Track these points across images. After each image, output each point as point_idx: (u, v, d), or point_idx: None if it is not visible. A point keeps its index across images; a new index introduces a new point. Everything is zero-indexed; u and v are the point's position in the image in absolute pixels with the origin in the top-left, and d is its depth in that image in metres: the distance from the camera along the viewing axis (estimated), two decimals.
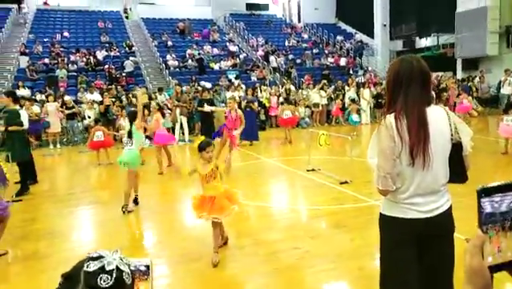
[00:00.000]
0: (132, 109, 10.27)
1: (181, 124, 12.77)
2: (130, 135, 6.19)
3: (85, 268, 0.98)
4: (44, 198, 7.07)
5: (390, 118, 2.10)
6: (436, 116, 2.13)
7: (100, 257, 0.99)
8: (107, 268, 0.97)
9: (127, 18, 27.41)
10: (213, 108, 10.02)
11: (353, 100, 14.01)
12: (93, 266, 0.98)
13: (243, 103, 11.84)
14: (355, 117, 13.30)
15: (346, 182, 6.96)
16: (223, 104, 14.72)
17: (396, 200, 2.16)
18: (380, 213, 2.27)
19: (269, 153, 11.05)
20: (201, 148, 4.11)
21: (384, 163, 2.07)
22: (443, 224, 2.16)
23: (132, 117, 6.28)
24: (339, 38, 26.28)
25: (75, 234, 5.34)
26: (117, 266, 0.98)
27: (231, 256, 4.36)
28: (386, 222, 2.22)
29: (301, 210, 6.08)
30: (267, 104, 15.82)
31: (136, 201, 6.34)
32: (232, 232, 4.97)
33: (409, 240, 2.14)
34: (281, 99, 15.03)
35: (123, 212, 5.95)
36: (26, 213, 6.18)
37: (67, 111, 13.25)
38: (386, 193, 2.14)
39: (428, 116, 2.09)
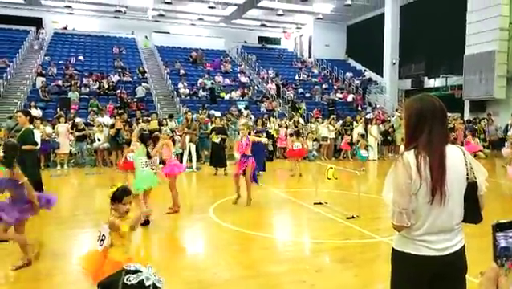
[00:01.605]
0: (145, 132, 10.43)
1: (189, 152, 12.85)
2: (149, 155, 6.44)
3: (124, 280, 0.98)
4: (49, 219, 7.07)
5: (408, 155, 2.12)
6: (454, 155, 2.16)
7: (138, 271, 1.00)
8: (146, 283, 0.98)
9: (145, 45, 28.19)
10: (226, 137, 10.11)
11: (362, 136, 14.08)
12: (133, 280, 0.99)
13: (252, 133, 11.93)
14: (363, 152, 13.34)
15: (353, 217, 6.90)
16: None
17: (409, 236, 2.17)
18: (393, 248, 2.26)
19: (275, 184, 11.02)
20: (116, 197, 3.18)
21: (400, 199, 2.09)
22: (456, 263, 2.16)
23: (147, 139, 6.51)
24: (349, 74, 26.72)
25: (77, 256, 5.30)
26: (154, 283, 1.00)
27: (234, 287, 4.30)
28: (398, 258, 2.21)
29: (306, 243, 6.01)
30: (276, 135, 15.93)
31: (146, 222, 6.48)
32: (235, 263, 4.92)
33: (421, 277, 2.13)
34: (289, 131, 15.14)
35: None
36: (30, 234, 6.17)
37: (77, 133, 13.43)
38: (400, 229, 2.15)
39: (446, 155, 2.13)
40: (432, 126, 2.13)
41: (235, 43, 30.67)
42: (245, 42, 31.51)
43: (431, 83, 23.27)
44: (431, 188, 2.07)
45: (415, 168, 2.08)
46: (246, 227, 6.45)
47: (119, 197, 3.18)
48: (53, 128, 13.30)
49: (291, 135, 13.41)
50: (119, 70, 22.25)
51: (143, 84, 20.28)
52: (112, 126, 13.80)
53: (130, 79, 21.49)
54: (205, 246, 5.77)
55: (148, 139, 6.60)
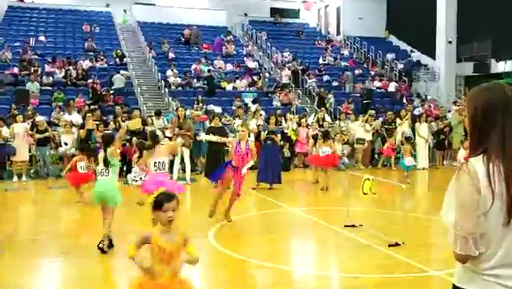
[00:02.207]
0: (108, 132, 10.65)
1: (182, 159, 12.94)
2: (106, 162, 6.66)
3: None
4: (2, 245, 7.19)
5: (476, 163, 2.12)
6: None
7: None
8: None
9: (124, 22, 28.43)
10: (225, 140, 10.16)
11: (407, 138, 14.03)
12: None
13: (263, 135, 12.00)
14: (407, 161, 13.22)
15: (396, 244, 6.89)
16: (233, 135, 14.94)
17: (476, 269, 2.16)
18: (454, 286, 2.25)
19: (294, 201, 11.03)
20: (159, 203, 3.44)
21: (465, 220, 2.09)
22: None
23: (108, 141, 6.75)
24: (390, 56, 26.67)
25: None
26: None
27: None
28: None
29: (335, 278, 6.03)
30: (293, 138, 15.95)
31: (111, 244, 6.66)
32: None
33: None
34: (312, 131, 15.16)
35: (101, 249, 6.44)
36: None
37: (37, 136, 13.60)
38: (465, 260, 2.14)
39: None
40: (506, 123, 2.13)
41: (240, 18, 30.77)
42: (253, 15, 31.67)
43: (500, 67, 23.10)
44: (507, 205, 2.07)
45: (485, 180, 2.07)
46: (257, 256, 6.49)
47: (159, 203, 3.43)
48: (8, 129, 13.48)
49: (314, 137, 13.42)
50: (91, 53, 22.50)
51: (121, 72, 20.45)
52: (83, 126, 13.95)
53: (105, 66, 21.71)
54: (201, 281, 5.82)
55: (111, 140, 6.81)
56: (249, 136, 8.64)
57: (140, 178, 9.62)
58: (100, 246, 6.53)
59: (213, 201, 8.36)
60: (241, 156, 8.22)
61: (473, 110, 2.23)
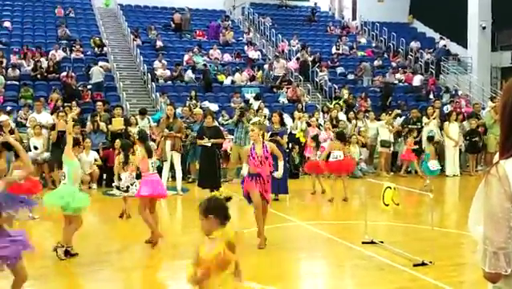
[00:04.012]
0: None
1: (172, 164, 12.94)
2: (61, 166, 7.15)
3: None
4: None
5: (507, 165, 2.14)
6: None
7: None
8: None
9: (106, 5, 28.44)
10: (221, 142, 10.16)
11: (430, 138, 14.00)
12: None
13: (266, 137, 11.97)
14: (432, 164, 13.17)
15: (423, 264, 6.88)
16: (231, 137, 14.93)
17: None
18: None
19: (304, 214, 11.02)
20: (209, 209, 3.82)
21: (495, 233, 2.10)
22: None
23: (62, 143, 7.07)
24: (414, 45, 26.72)
25: None
26: None
27: None
28: None
29: None
30: (302, 139, 15.93)
31: (67, 253, 7.06)
32: None
33: None
34: (323, 133, 15.14)
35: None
36: None
37: (1, 139, 13.56)
38: (496, 279, 2.16)
39: None
40: None
41: (240, 0, 30.82)
42: None
43: None
44: None
45: None
46: (261, 279, 6.46)
47: (214, 208, 3.83)
48: None
49: (315, 138, 13.33)
50: (65, 42, 22.54)
51: (100, 63, 20.47)
52: (53, 127, 13.94)
53: (81, 56, 21.73)
54: None
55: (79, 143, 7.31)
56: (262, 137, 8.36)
57: (129, 186, 9.63)
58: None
59: (258, 231, 7.97)
60: (259, 161, 7.88)
61: (503, 106, 2.26)
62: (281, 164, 8.27)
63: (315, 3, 31.91)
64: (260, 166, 7.85)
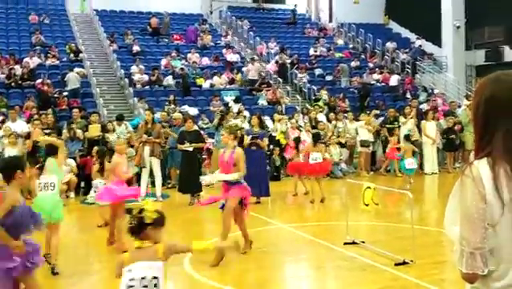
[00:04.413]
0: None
1: (151, 170, 12.83)
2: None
3: None
4: None
5: (479, 166, 2.13)
6: None
7: None
8: None
9: (81, 10, 28.18)
10: (202, 146, 10.07)
11: (406, 137, 14.14)
12: None
13: (246, 139, 11.95)
14: (408, 163, 13.33)
15: (404, 263, 6.92)
16: (212, 141, 14.87)
17: None
18: None
19: (285, 216, 11.06)
20: (163, 219, 3.84)
21: (471, 233, 2.10)
22: None
23: (53, 150, 6.95)
24: (390, 45, 26.93)
25: None
26: None
27: None
28: None
29: None
30: (283, 142, 15.95)
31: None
32: None
33: None
34: (303, 136, 15.16)
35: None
36: None
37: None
38: (473, 279, 2.15)
39: None
40: (511, 120, 2.15)
41: (217, 3, 30.78)
42: (233, 0, 31.72)
43: None
44: None
45: (491, 187, 2.08)
46: (242, 285, 6.43)
47: (163, 218, 3.81)
48: None
49: (297, 140, 13.34)
50: (40, 49, 22.28)
51: (76, 70, 20.27)
52: (28, 136, 13.75)
53: (57, 63, 21.49)
54: None
55: (51, 148, 7.01)
56: (240, 143, 8.07)
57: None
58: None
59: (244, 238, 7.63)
60: (226, 167, 7.41)
61: (475, 106, 2.26)
62: (232, 175, 7.40)
63: (295, 5, 31.92)
64: (227, 172, 7.38)
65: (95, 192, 9.76)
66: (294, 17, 30.72)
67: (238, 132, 8.07)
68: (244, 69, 22.86)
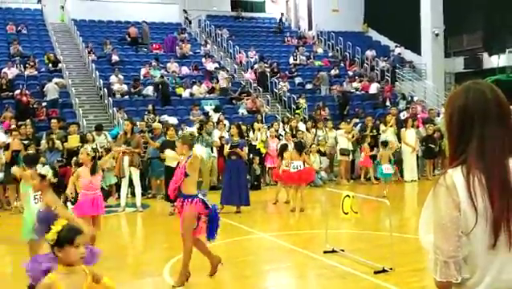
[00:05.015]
0: (30, 152, 10.69)
1: (131, 181, 12.80)
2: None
3: None
4: None
5: (454, 175, 2.15)
6: None
7: None
8: None
9: (61, 20, 28.05)
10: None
11: (383, 144, 14.27)
12: None
13: (226, 149, 11.99)
14: (385, 168, 13.46)
15: (384, 270, 6.96)
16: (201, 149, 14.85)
17: None
18: None
19: (266, 225, 11.06)
20: (66, 238, 3.39)
21: (444, 242, 2.12)
22: None
23: (32, 162, 6.77)
24: (370, 53, 27.15)
25: None
26: None
27: None
28: None
29: None
30: (263, 150, 16.00)
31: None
32: None
33: None
34: (282, 142, 15.24)
35: None
36: None
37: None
38: (447, 288, 2.17)
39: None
40: (484, 129, 2.16)
41: (196, 12, 30.82)
42: (212, 8, 31.78)
43: (493, 61, 23.73)
44: (492, 224, 2.08)
45: (465, 195, 2.10)
46: None
47: (69, 237, 3.36)
48: None
49: (282, 149, 13.38)
50: (18, 59, 22.13)
51: (55, 80, 20.17)
52: (7, 147, 13.64)
53: (35, 73, 21.36)
54: None
55: (36, 160, 6.87)
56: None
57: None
58: None
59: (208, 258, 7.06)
60: (176, 176, 6.87)
61: (448, 116, 2.28)
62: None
63: (282, 13, 32.06)
64: (176, 181, 6.84)
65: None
66: (280, 25, 30.89)
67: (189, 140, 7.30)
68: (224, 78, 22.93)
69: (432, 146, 16.60)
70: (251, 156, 15.15)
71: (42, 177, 5.17)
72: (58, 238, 3.38)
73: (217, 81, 22.49)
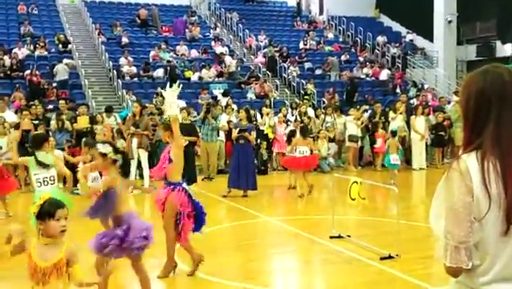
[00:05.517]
0: (39, 132, 10.78)
1: (139, 162, 12.87)
2: (45, 166, 6.93)
3: None
4: None
5: (468, 160, 2.14)
6: None
7: None
8: None
9: (71, 1, 28.01)
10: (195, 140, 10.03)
11: (393, 133, 14.21)
12: None
13: (234, 133, 12.02)
14: (393, 158, 13.40)
15: (390, 257, 6.99)
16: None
17: (472, 284, 2.19)
18: None
19: (272, 210, 11.12)
20: (46, 212, 3.48)
21: (456, 227, 2.10)
22: None
23: (38, 143, 7.04)
24: (381, 39, 26.97)
25: None
26: None
27: None
28: None
29: None
30: (271, 136, 16.03)
31: None
32: None
33: None
34: (291, 127, 15.26)
35: None
36: None
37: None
38: (457, 273, 2.16)
39: None
40: (501, 113, 2.15)
41: None
42: None
43: (506, 49, 23.55)
44: (506, 211, 2.07)
45: (479, 181, 2.09)
46: (229, 277, 6.50)
47: (50, 210, 3.47)
48: None
49: (291, 134, 13.42)
50: (29, 39, 22.18)
51: (65, 61, 20.24)
52: (17, 126, 13.73)
53: (45, 54, 21.44)
54: None
55: (43, 141, 7.08)
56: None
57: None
58: None
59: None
60: (160, 161, 6.60)
61: (464, 100, 2.26)
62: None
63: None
64: (160, 168, 6.53)
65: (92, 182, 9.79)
66: (299, 8, 30.71)
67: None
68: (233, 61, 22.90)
69: (442, 134, 16.53)
70: (259, 140, 15.17)
71: (104, 155, 5.24)
72: (39, 211, 3.48)
73: (225, 66, 22.47)
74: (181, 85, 7.25)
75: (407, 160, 16.08)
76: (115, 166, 5.25)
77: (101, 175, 8.67)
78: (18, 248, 3.54)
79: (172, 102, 6.43)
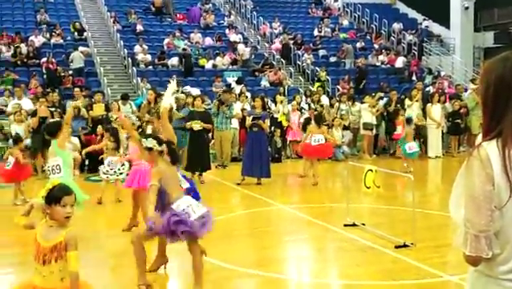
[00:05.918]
0: (54, 120, 10.86)
1: None
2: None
3: None
4: None
5: (489, 148, 2.13)
6: None
7: None
8: None
9: None
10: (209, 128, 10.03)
11: (408, 120, 14.10)
12: None
13: (248, 120, 12.00)
14: (409, 146, 13.29)
15: (405, 246, 6.98)
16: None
17: (491, 273, 2.18)
18: None
19: (286, 197, 11.10)
20: (53, 197, 3.58)
21: (476, 216, 2.09)
22: None
23: (53, 131, 7.04)
24: (397, 26, 26.75)
25: None
26: None
27: None
28: None
29: (333, 287, 6.08)
30: (285, 123, 16.00)
31: None
32: None
33: None
34: (306, 115, 15.20)
35: None
36: None
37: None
38: (476, 262, 2.16)
39: None
40: None
41: None
42: None
43: None
44: None
45: (499, 168, 2.08)
46: (244, 264, 6.52)
47: (57, 196, 3.56)
48: None
49: (306, 122, 13.35)
50: (45, 27, 22.30)
51: (81, 48, 20.33)
52: (34, 113, 13.84)
53: (61, 42, 21.55)
54: None
55: (56, 129, 7.11)
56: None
57: (116, 171, 9.73)
58: None
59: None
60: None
61: (485, 87, 2.23)
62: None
63: None
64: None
65: (112, 169, 9.88)
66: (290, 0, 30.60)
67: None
68: (247, 49, 22.84)
69: (459, 122, 16.38)
70: (273, 128, 15.15)
71: (150, 149, 5.32)
72: (47, 195, 3.59)
73: (239, 53, 22.43)
74: (180, 83, 7.37)
75: (423, 148, 15.95)
76: (162, 157, 5.34)
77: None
78: (30, 224, 3.83)
79: (169, 95, 6.50)
